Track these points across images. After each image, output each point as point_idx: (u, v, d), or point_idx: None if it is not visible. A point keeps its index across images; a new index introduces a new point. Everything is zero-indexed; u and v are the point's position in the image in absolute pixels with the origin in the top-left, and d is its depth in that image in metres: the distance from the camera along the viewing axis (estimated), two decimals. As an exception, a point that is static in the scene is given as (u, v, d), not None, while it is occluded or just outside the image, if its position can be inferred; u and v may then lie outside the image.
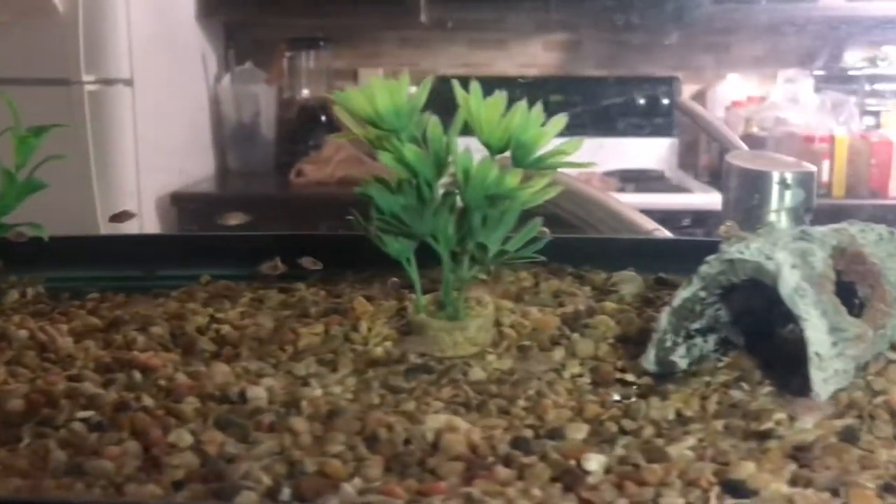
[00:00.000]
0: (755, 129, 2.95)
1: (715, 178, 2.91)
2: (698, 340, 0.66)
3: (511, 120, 0.67)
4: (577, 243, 0.92)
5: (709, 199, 2.65)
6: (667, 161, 3.14)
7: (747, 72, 3.18)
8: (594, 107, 3.17)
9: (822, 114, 2.92)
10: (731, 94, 3.13)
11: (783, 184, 1.01)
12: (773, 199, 1.02)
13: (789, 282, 0.60)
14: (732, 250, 0.62)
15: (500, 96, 0.69)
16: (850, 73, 3.01)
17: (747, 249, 0.61)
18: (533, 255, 0.70)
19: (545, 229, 0.72)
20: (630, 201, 2.73)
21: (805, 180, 1.01)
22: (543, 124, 0.68)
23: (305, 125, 3.08)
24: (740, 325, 0.68)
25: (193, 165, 2.95)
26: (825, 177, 2.76)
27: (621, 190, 2.89)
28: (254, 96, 3.05)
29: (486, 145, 0.69)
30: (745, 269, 0.61)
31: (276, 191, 2.95)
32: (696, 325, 0.65)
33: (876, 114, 2.92)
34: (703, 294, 0.64)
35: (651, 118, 3.15)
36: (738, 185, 1.06)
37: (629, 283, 0.80)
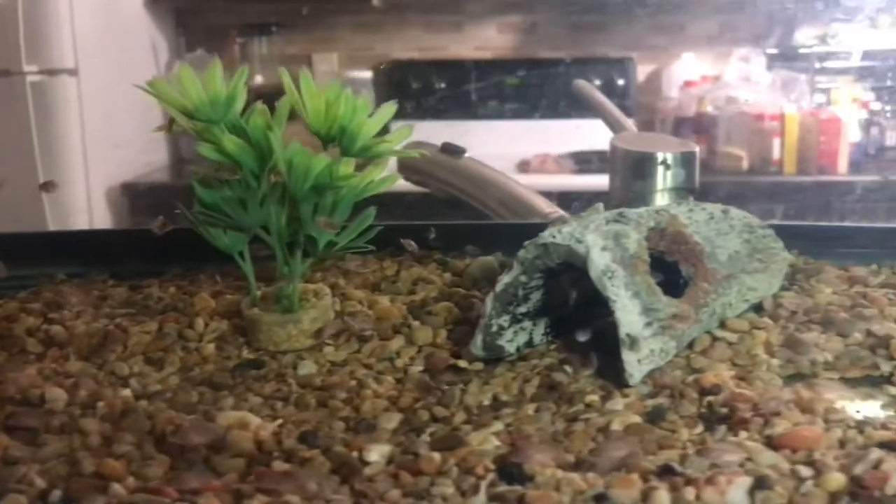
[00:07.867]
0: (709, 108, 2.95)
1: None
2: (527, 324, 0.66)
3: (336, 109, 0.67)
4: (451, 229, 0.92)
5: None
6: (622, 142, 3.13)
7: (701, 51, 3.17)
8: (550, 88, 3.17)
9: (772, 92, 2.92)
10: (686, 74, 3.13)
11: (664, 164, 1.01)
12: (657, 180, 1.02)
13: (598, 264, 0.60)
14: (546, 234, 0.62)
15: (332, 85, 0.68)
16: (801, 51, 3.01)
17: (559, 233, 0.61)
18: (364, 245, 0.69)
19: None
20: (585, 182, 2.76)
21: (686, 160, 1.01)
22: (371, 114, 0.68)
23: (259, 112, 3.07)
24: (573, 309, 0.68)
25: (146, 155, 2.93)
26: (776, 154, 2.77)
27: (577, 171, 2.89)
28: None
29: (316, 135, 0.68)
30: (559, 252, 0.61)
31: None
32: (522, 310, 0.65)
33: (826, 91, 2.93)
34: (524, 279, 0.64)
35: (607, 99, 3.13)
36: (622, 166, 1.06)
37: (482, 267, 0.80)
